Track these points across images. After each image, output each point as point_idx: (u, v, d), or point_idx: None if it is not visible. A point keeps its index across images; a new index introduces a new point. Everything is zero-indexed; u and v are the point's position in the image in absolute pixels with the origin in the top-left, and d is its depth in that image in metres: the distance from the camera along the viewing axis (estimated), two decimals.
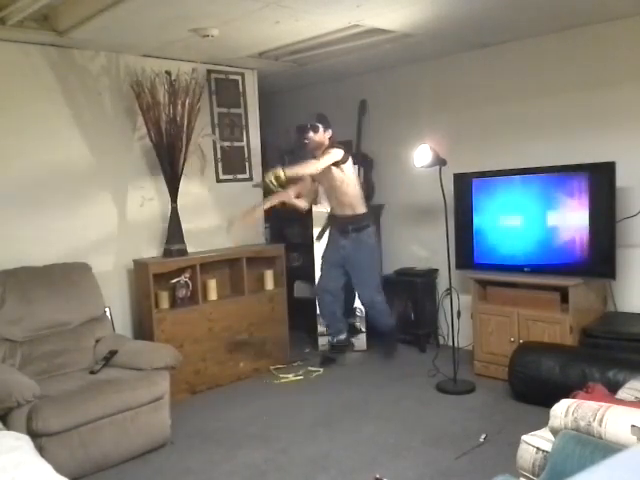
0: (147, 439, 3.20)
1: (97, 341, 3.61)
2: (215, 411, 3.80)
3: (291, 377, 4.33)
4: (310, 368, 4.51)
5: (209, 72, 4.61)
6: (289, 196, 4.26)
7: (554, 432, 1.84)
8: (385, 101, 5.25)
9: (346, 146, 5.52)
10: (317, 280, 4.58)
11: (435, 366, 4.27)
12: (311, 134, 4.12)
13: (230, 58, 4.48)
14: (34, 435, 2.66)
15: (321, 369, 4.48)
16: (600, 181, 3.70)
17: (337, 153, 4.00)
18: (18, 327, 3.35)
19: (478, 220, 4.28)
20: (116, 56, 4.12)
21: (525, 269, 4.03)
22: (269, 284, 4.64)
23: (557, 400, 1.90)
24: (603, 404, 1.79)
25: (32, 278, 3.49)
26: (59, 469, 2.00)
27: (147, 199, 4.29)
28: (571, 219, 3.83)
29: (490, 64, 4.52)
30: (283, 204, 4.31)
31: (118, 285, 4.17)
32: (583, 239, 3.79)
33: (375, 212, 5.36)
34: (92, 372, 3.34)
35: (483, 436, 3.18)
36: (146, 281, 3.96)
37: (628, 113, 3.87)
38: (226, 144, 4.72)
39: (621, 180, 3.67)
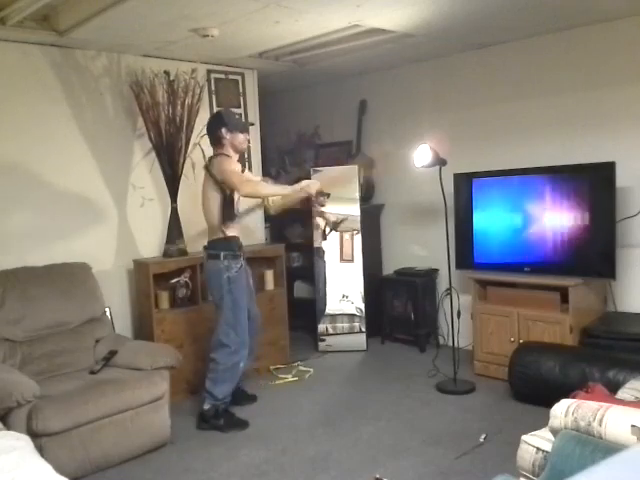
0: (147, 439, 3.20)
1: (97, 341, 3.61)
2: None
3: (290, 378, 4.33)
4: (301, 368, 4.52)
5: (209, 72, 4.61)
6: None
7: (554, 432, 1.83)
8: (385, 101, 5.25)
9: (346, 146, 5.59)
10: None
11: (435, 366, 4.28)
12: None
13: (230, 58, 4.48)
14: (34, 435, 2.66)
15: (309, 368, 4.48)
16: (600, 181, 3.70)
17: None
18: (18, 327, 3.34)
19: (478, 220, 4.28)
20: (117, 56, 4.12)
21: (525, 269, 4.03)
22: (269, 284, 4.63)
23: (557, 400, 1.90)
24: (603, 404, 1.79)
25: (32, 278, 3.49)
26: (59, 469, 2.00)
27: (147, 199, 4.29)
28: (571, 219, 3.83)
29: (490, 64, 4.52)
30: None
31: (118, 285, 4.17)
32: (583, 239, 3.79)
33: (375, 212, 5.38)
34: (92, 372, 3.34)
35: (483, 436, 3.18)
36: (146, 281, 3.96)
37: (628, 113, 3.87)
38: None
39: (621, 180, 3.67)
